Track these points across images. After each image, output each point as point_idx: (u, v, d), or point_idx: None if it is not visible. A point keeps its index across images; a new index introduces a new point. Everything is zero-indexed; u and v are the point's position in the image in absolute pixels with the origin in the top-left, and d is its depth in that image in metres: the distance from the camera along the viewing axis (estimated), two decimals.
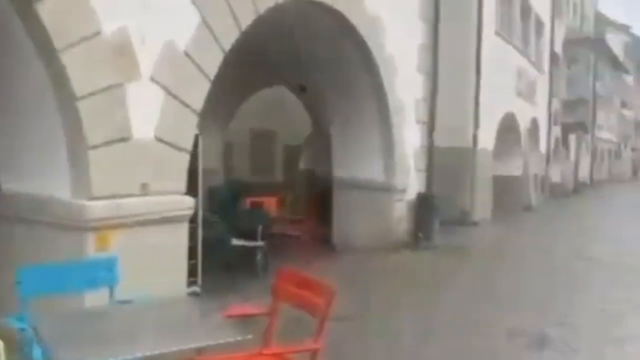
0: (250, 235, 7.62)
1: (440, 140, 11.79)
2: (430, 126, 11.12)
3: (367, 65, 9.12)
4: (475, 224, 13.53)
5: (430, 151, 11.13)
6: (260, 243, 7.40)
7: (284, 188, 13.32)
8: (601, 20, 41.05)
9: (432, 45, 11.06)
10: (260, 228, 7.64)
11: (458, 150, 13.27)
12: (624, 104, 49.97)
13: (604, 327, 5.90)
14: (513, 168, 17.81)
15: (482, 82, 13.66)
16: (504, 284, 7.73)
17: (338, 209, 10.07)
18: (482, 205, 14.25)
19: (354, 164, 9.96)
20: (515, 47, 16.97)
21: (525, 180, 18.16)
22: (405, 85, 10.04)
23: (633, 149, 58.41)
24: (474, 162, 13.58)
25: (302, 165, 14.40)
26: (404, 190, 10.21)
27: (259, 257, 7.47)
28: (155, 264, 4.92)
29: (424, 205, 10.56)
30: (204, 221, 7.23)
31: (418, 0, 10.62)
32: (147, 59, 5.04)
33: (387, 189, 9.85)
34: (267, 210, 8.12)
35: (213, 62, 5.80)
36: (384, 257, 9.11)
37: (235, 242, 7.30)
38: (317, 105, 11.01)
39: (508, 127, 16.85)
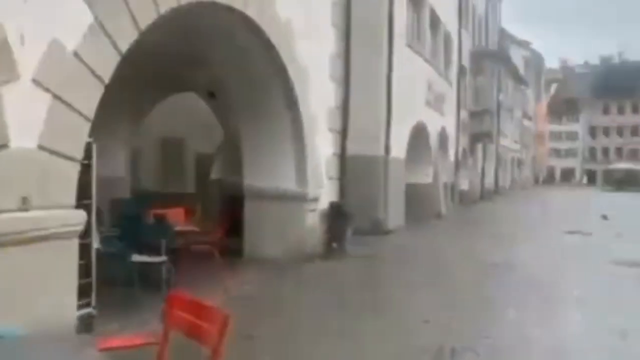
0: (155, 250, 7.15)
1: (353, 149, 11.76)
2: (343, 135, 11.07)
3: (279, 72, 8.89)
4: (388, 232, 13.60)
5: (343, 160, 11.07)
6: (163, 258, 6.95)
7: (196, 198, 12.80)
8: (504, 36, 43.25)
9: (344, 54, 11.03)
10: (164, 242, 7.19)
11: (371, 159, 13.30)
12: (525, 115, 52.94)
13: (508, 334, 5.94)
14: (424, 176, 18.18)
15: (394, 91, 13.79)
16: (413, 295, 7.67)
17: (249, 219, 9.74)
18: (395, 213, 14.36)
19: (266, 173, 9.68)
20: (425, 59, 17.35)
21: (435, 188, 18.58)
22: (317, 94, 9.91)
23: (534, 158, 61.94)
24: (387, 171, 13.66)
25: (214, 174, 13.93)
26: (316, 200, 10.05)
27: (163, 273, 7.01)
28: (38, 287, 4.41)
29: (336, 215, 10.45)
30: (102, 236, 6.72)
31: (330, 8, 10.54)
32: (28, 60, 4.53)
33: (299, 199, 9.65)
34: (172, 222, 7.67)
35: (107, 64, 5.33)
36: (295, 269, 8.87)
37: (136, 257, 6.80)
38: (228, 112, 10.65)
39: (419, 136, 17.18)
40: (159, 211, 7.93)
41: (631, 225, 17.98)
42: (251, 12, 7.70)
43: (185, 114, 14.12)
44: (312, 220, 10.00)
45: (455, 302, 7.15)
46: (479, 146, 30.18)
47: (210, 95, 10.98)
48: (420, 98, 17.09)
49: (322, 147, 10.28)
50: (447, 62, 21.48)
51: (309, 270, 8.99)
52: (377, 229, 13.33)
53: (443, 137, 20.52)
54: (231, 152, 11.91)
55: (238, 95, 9.26)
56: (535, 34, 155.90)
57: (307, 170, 9.67)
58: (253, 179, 9.76)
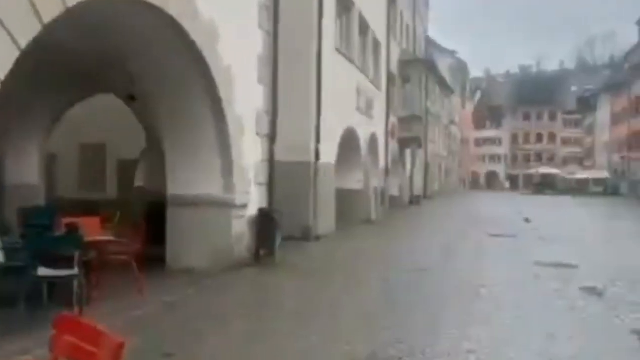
0: (67, 263, 6.58)
1: (282, 154, 11.49)
2: (271, 140, 10.77)
3: (203, 74, 8.49)
4: (318, 238, 13.41)
5: (272, 165, 10.78)
6: (75, 272, 6.40)
7: (118, 206, 12.13)
8: (431, 44, 44.34)
9: (272, 57, 10.75)
10: (77, 254, 6.62)
11: (300, 164, 13.08)
12: (451, 121, 54.46)
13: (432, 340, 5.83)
14: (354, 182, 18.17)
15: (323, 96, 13.65)
16: (340, 303, 7.47)
17: (172, 228, 9.26)
18: (325, 219, 14.20)
19: (190, 179, 9.24)
20: (354, 64, 17.34)
21: (366, 193, 18.60)
22: (244, 97, 9.57)
23: (460, 163, 63.82)
24: (316, 176, 13.48)
25: (137, 181, 13.29)
26: (244, 206, 9.69)
27: (75, 288, 6.46)
28: None
29: (265, 221, 10.14)
30: (5, 248, 6.13)
31: (257, 10, 10.23)
32: None
33: (225, 205, 9.26)
34: (86, 232, 7.11)
35: (4, 60, 4.82)
36: (221, 279, 8.48)
37: (44, 271, 6.22)
38: (150, 116, 10.12)
39: (349, 142, 17.14)
40: (71, 220, 7.34)
41: (552, 228, 18.65)
42: (172, 10, 7.29)
43: (106, 118, 13.44)
44: (240, 227, 9.64)
45: (376, 308, 7.01)
46: (408, 152, 30.63)
47: (130, 98, 10.40)
48: (350, 103, 17.06)
49: (250, 152, 9.93)
50: (377, 68, 21.64)
51: (235, 280, 8.62)
52: (307, 235, 13.12)
53: (373, 142, 20.62)
54: (155, 157, 11.36)
55: (159, 97, 8.79)
56: (460, 44, 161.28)
57: (234, 176, 9.30)
58: (176, 185, 9.29)
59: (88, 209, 9.64)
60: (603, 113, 67.47)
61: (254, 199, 10.15)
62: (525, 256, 11.71)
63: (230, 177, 9.27)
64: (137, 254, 7.37)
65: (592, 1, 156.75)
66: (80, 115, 12.79)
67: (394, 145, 25.83)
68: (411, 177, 31.64)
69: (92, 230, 7.45)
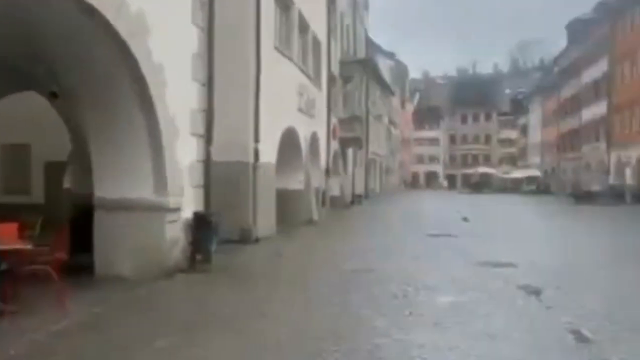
0: None
1: (219, 155, 11.05)
2: (207, 139, 10.30)
3: (131, 70, 7.97)
4: (258, 240, 13.03)
5: (208, 166, 10.31)
6: None
7: (45, 210, 11.34)
8: (371, 46, 44.63)
9: (208, 54, 10.28)
10: None
11: (238, 165, 12.68)
12: (391, 122, 55.08)
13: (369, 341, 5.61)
14: (295, 182, 17.88)
15: (262, 95, 13.29)
16: (274, 311, 7.12)
17: (100, 234, 8.68)
18: (265, 221, 13.83)
19: (119, 181, 8.69)
20: (294, 63, 17.05)
21: (307, 194, 18.34)
22: (178, 95, 9.08)
23: (400, 163, 64.67)
24: (256, 177, 13.10)
25: (66, 184, 12.52)
26: (178, 210, 9.20)
27: None
28: None
29: (201, 225, 9.67)
30: None
31: (190, 5, 9.75)
32: None
33: (158, 209, 8.75)
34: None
35: None
36: (152, 287, 7.98)
37: None
38: (74, 115, 9.47)
39: (290, 142, 16.84)
40: None
41: (489, 227, 18.97)
42: (95, 2, 6.77)
43: (31, 118, 12.59)
44: (174, 231, 9.14)
45: (311, 312, 6.73)
46: (350, 152, 30.65)
47: (53, 95, 9.71)
48: (290, 103, 16.76)
49: (184, 152, 9.45)
50: (317, 68, 21.43)
51: (168, 288, 8.14)
52: (247, 238, 12.73)
53: (314, 142, 20.40)
54: (84, 158, 10.69)
55: (83, 94, 8.21)
56: (398, 47, 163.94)
57: (167, 178, 8.81)
58: (104, 188, 8.71)
59: (10, 214, 8.91)
60: (535, 114, 70.08)
61: (189, 202, 9.67)
62: (465, 256, 11.72)
63: (162, 179, 8.78)
64: (60, 262, 6.81)
65: (523, 8, 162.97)
66: (2, 116, 11.93)
67: (335, 145, 25.73)
68: (352, 177, 31.67)
69: (7, 237, 6.81)
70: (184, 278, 8.84)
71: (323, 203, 22.06)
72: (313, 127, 19.97)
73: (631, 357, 5.32)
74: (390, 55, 59.10)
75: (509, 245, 13.72)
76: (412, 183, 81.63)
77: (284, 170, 17.04)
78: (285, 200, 16.59)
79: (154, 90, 8.29)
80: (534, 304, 7.51)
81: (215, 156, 10.75)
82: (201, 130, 10.10)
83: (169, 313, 6.90)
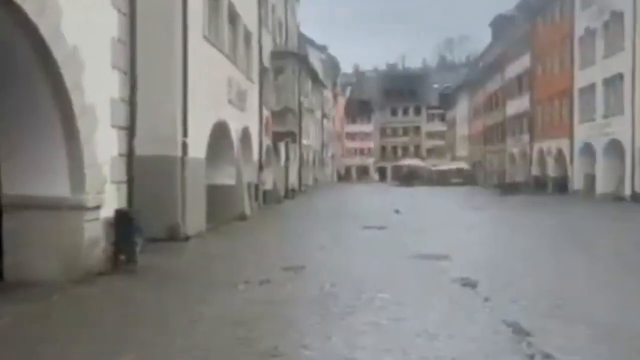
0: None
1: (144, 148, 10.39)
2: (130, 132, 9.62)
3: (41, 55, 7.25)
4: (187, 238, 12.43)
5: (131, 161, 9.63)
6: None
7: None
8: (302, 39, 44.31)
9: (130, 41, 9.59)
10: None
11: (165, 159, 12.03)
12: (324, 116, 55.05)
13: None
14: (227, 177, 17.28)
15: (190, 86, 12.66)
16: (200, 315, 6.67)
17: (10, 234, 7.90)
18: (195, 217, 13.23)
19: (31, 178, 7.93)
20: (224, 54, 16.44)
21: (239, 189, 17.79)
22: (96, 83, 8.40)
23: (333, 156, 64.87)
24: (184, 172, 12.48)
25: None
26: (97, 208, 8.52)
27: None
28: None
29: (123, 223, 9.01)
30: None
31: None
32: None
33: (75, 208, 8.06)
34: None
35: None
36: (69, 292, 7.33)
37: None
38: None
39: (220, 135, 16.25)
40: None
41: (421, 219, 19.11)
42: None
43: None
44: (94, 231, 8.46)
45: (240, 315, 6.33)
46: (282, 145, 30.22)
47: None
48: (220, 95, 16.14)
49: (105, 146, 8.76)
50: (249, 60, 20.86)
51: (87, 293, 7.48)
52: (175, 236, 12.11)
53: (246, 136, 19.85)
54: None
55: None
56: (329, 41, 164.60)
57: (84, 174, 8.12)
58: (14, 185, 7.93)
59: None
60: (462, 108, 72.06)
61: (110, 199, 8.99)
62: (399, 249, 11.63)
63: (80, 176, 8.08)
64: None
65: (450, 5, 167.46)
66: None
67: (267, 139, 25.24)
68: (286, 171, 31.27)
69: None
70: (106, 281, 8.20)
71: (256, 198, 21.56)
72: (245, 120, 19.41)
73: (568, 348, 5.26)
74: (322, 49, 58.98)
75: (441, 237, 13.79)
76: (345, 176, 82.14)
77: (215, 164, 16.43)
78: (216, 195, 16.00)
79: (68, 76, 7.60)
80: (470, 296, 7.42)
81: (140, 150, 10.09)
82: (123, 121, 9.42)
83: (87, 320, 6.29)
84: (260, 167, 22.73)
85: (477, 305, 6.93)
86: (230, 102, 16.95)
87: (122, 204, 9.45)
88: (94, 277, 8.16)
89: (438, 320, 6.17)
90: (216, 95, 15.52)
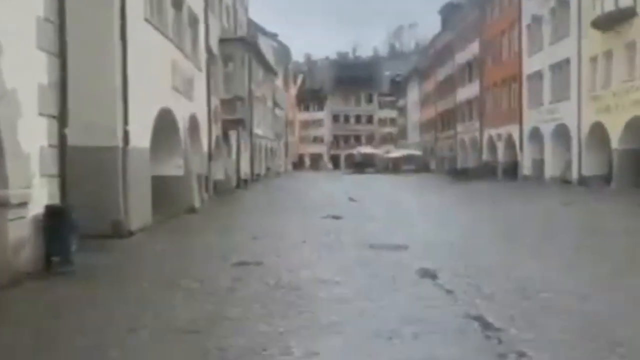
0: None
1: (79, 138, 9.57)
2: (61, 120, 8.75)
3: None
4: (132, 234, 11.63)
5: (63, 152, 8.77)
6: None
7: None
8: (252, 26, 43.25)
9: (59, 19, 8.69)
10: None
11: (104, 150, 11.13)
12: (276, 104, 54.15)
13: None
14: (174, 168, 16.44)
15: (131, 71, 11.77)
16: (144, 323, 6.03)
17: None
18: (139, 211, 12.39)
19: None
20: (168, 39, 15.53)
21: (187, 180, 16.95)
22: (19, 66, 7.53)
23: (286, 145, 64.13)
24: (125, 163, 11.61)
25: None
26: (24, 205, 7.68)
27: None
28: None
29: (55, 221, 8.18)
30: None
31: None
32: None
33: None
34: None
35: None
36: None
37: None
38: None
39: (166, 124, 15.40)
40: None
41: (376, 207, 18.77)
42: None
43: None
44: (20, 231, 7.62)
45: (185, 320, 5.72)
46: (233, 134, 29.36)
47: None
48: (165, 81, 15.25)
49: (31, 135, 7.90)
50: (195, 45, 19.94)
51: (11, 301, 6.67)
52: (118, 232, 11.28)
53: (194, 124, 18.99)
54: None
55: None
56: (279, 30, 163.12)
57: (7, 167, 7.27)
58: None
59: None
60: (413, 95, 72.55)
61: (40, 195, 8.15)
62: (355, 239, 11.17)
63: (1, 169, 7.22)
64: None
65: None
66: None
67: (217, 128, 24.37)
68: (237, 161, 30.42)
69: None
70: (35, 285, 7.39)
71: (206, 189, 20.74)
72: (192, 108, 18.55)
73: (542, 343, 4.89)
74: (273, 36, 57.90)
75: (398, 226, 13.43)
76: (298, 164, 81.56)
77: (161, 155, 15.60)
78: (163, 187, 15.17)
79: None
80: (431, 289, 7.01)
81: (76, 140, 9.26)
82: (53, 109, 8.54)
83: (10, 333, 5.52)
84: (210, 157, 21.89)
85: (440, 299, 6.52)
86: (175, 88, 16.06)
87: (55, 199, 8.60)
88: (21, 282, 7.34)
89: (400, 318, 5.70)
90: (160, 81, 14.63)
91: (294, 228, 13.27)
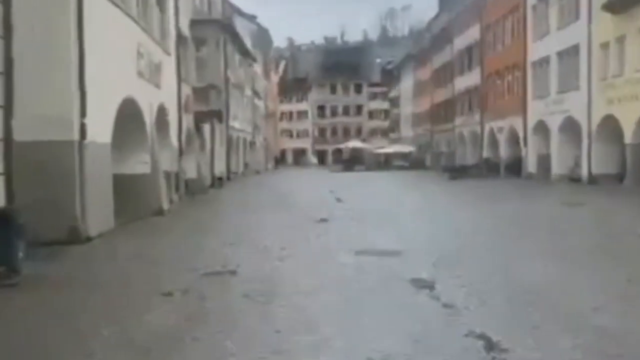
0: None
1: (28, 132, 9.32)
2: (7, 112, 8.49)
3: None
4: (89, 239, 11.35)
5: (9, 147, 8.52)
6: None
7: None
8: (228, 7, 42.89)
9: None
10: None
11: (56, 145, 10.83)
12: (255, 94, 53.81)
13: None
14: (139, 165, 16.14)
15: (88, 55, 11.47)
16: (94, 343, 5.80)
17: None
18: (99, 214, 12.13)
19: None
20: (132, 18, 15.22)
21: (154, 178, 16.66)
22: None
23: (266, 139, 63.82)
24: (83, 160, 11.32)
25: None
26: None
27: None
28: None
29: (0, 225, 7.92)
30: None
31: None
32: None
33: None
34: None
35: None
36: None
37: None
38: None
39: (130, 116, 15.10)
40: None
41: (366, 209, 18.62)
42: None
43: None
44: None
45: (147, 340, 5.50)
46: (207, 127, 29.08)
47: None
48: (128, 67, 14.96)
49: None
50: (163, 27, 19.65)
51: None
52: (74, 238, 11.00)
53: (162, 116, 18.71)
54: None
55: None
56: (259, 12, 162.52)
57: None
58: None
59: None
60: (406, 85, 72.47)
61: None
62: (343, 244, 11.00)
63: None
64: None
65: None
66: None
67: (189, 119, 24.07)
68: (212, 157, 30.14)
69: None
70: None
71: (176, 188, 20.47)
72: (160, 97, 18.26)
73: None
74: (251, 19, 57.54)
75: (390, 229, 13.28)
76: (280, 160, 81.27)
77: (125, 150, 15.30)
78: (127, 187, 14.88)
79: None
80: (428, 303, 6.85)
81: (22, 134, 8.99)
82: None
83: None
84: (181, 152, 21.60)
85: (438, 315, 6.36)
86: (140, 74, 15.77)
87: (1, 202, 8.33)
88: None
89: (393, 338, 5.53)
90: (123, 67, 14.34)
91: (272, 232, 13.07)
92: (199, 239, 12.30)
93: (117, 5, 14.00)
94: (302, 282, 7.96)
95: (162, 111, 18.57)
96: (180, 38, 22.13)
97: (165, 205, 17.12)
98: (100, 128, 12.52)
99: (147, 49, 16.49)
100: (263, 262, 9.45)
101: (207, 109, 26.14)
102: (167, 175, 18.89)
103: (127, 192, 14.87)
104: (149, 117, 16.65)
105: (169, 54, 19.86)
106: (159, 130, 18.18)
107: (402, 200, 22.49)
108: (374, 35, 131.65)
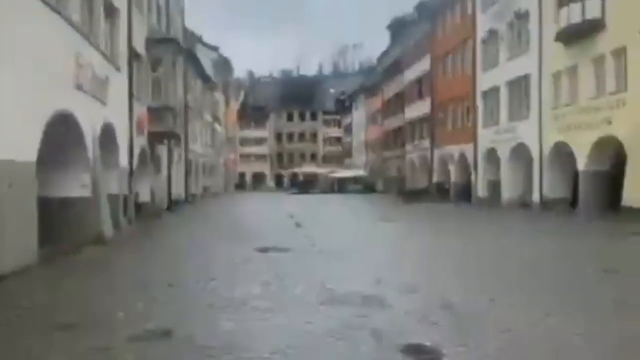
0: None
1: None
2: None
3: None
4: (3, 278, 8.42)
5: None
6: None
7: None
8: (190, 36, 40.08)
9: None
10: None
11: None
12: (216, 119, 51.03)
13: None
14: (76, 187, 13.17)
15: (7, 57, 8.65)
16: None
17: None
18: (16, 247, 9.19)
19: None
20: (73, 26, 12.41)
21: (95, 202, 13.67)
22: None
23: (226, 163, 60.81)
24: None
25: None
26: None
27: None
28: None
29: None
30: None
31: None
32: None
33: None
34: None
35: None
36: None
37: None
38: None
39: (65, 132, 12.27)
40: None
41: (328, 237, 16.00)
42: None
43: None
44: None
45: None
46: (164, 149, 26.10)
47: None
48: (64, 78, 12.09)
49: None
50: (113, 41, 16.85)
51: None
52: None
53: (109, 135, 15.80)
54: None
55: None
56: (221, 45, 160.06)
57: None
58: None
59: None
60: (359, 114, 70.89)
61: None
62: (308, 286, 8.37)
63: None
64: None
65: (345, 13, 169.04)
66: None
67: (143, 140, 21.11)
68: (169, 180, 27.11)
69: None
70: None
71: (125, 212, 17.44)
72: (107, 114, 15.36)
73: None
74: (214, 49, 54.77)
75: (360, 264, 10.70)
76: (239, 184, 78.11)
77: (57, 171, 12.40)
78: (60, 212, 11.99)
79: None
80: None
81: None
82: None
83: None
84: (132, 174, 18.61)
85: None
86: (80, 88, 12.89)
87: None
88: None
89: None
90: (56, 77, 11.47)
91: (227, 267, 10.31)
92: (136, 277, 9.44)
93: (54, 10, 11.21)
94: (257, 350, 5.25)
95: (109, 129, 15.67)
96: (134, 55, 19.30)
97: (109, 232, 14.13)
98: (22, 144, 9.63)
99: (89, 61, 13.61)
100: (211, 316, 6.72)
101: (163, 130, 23.17)
102: (114, 198, 15.92)
103: (61, 218, 11.97)
104: (91, 135, 13.72)
105: (118, 69, 16.99)
106: (106, 149, 15.28)
107: (364, 226, 19.96)
108: (328, 69, 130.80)
